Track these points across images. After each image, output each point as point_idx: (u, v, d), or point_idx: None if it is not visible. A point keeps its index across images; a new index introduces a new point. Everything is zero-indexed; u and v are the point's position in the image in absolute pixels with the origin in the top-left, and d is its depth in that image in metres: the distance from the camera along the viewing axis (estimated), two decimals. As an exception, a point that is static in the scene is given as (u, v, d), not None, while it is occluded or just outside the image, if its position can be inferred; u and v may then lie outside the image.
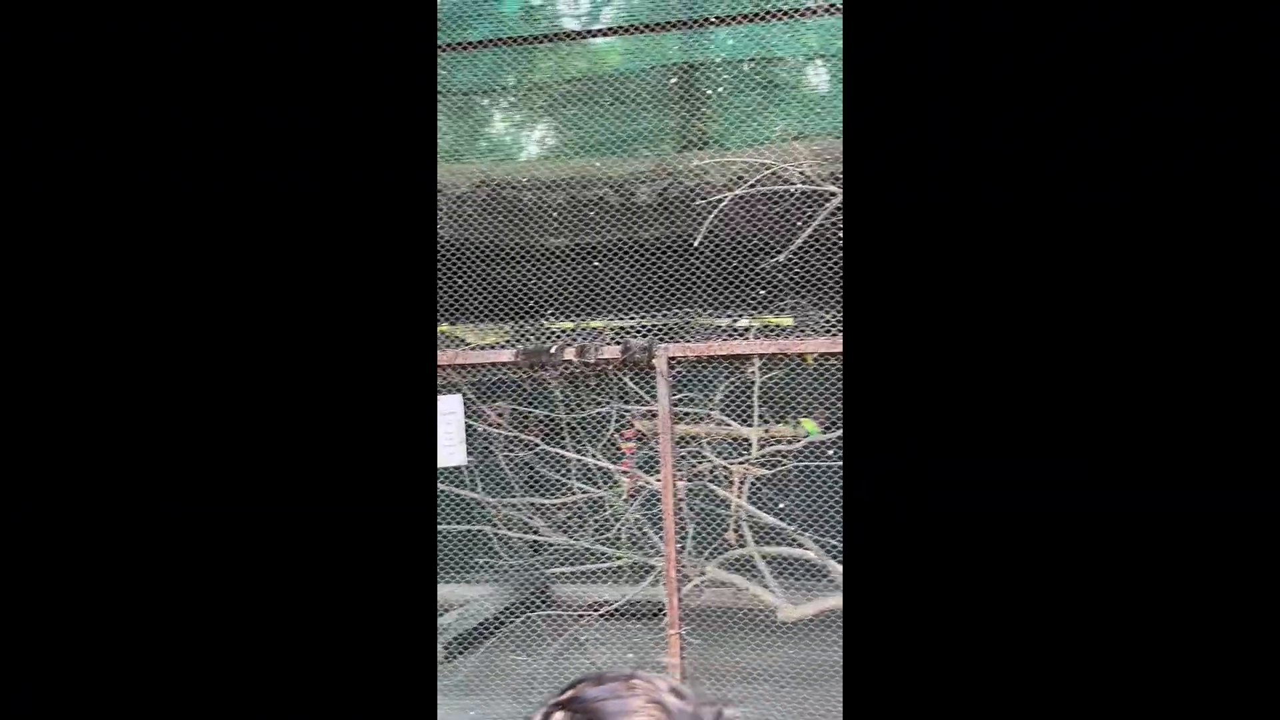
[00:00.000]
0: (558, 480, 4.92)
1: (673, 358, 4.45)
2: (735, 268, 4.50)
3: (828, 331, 4.58)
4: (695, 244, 4.40)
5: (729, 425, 4.72)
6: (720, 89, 4.73)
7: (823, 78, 4.99)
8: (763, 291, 4.46)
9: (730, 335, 4.63)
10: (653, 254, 4.58)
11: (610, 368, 4.50)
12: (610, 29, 4.82)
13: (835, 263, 4.39)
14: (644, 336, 4.55)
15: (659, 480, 4.51)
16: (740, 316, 4.77)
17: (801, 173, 4.35)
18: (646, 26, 4.70)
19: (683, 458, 4.65)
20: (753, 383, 4.65)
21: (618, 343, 4.46)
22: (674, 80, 4.71)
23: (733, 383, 4.74)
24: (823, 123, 4.72)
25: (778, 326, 4.73)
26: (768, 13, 4.63)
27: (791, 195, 4.39)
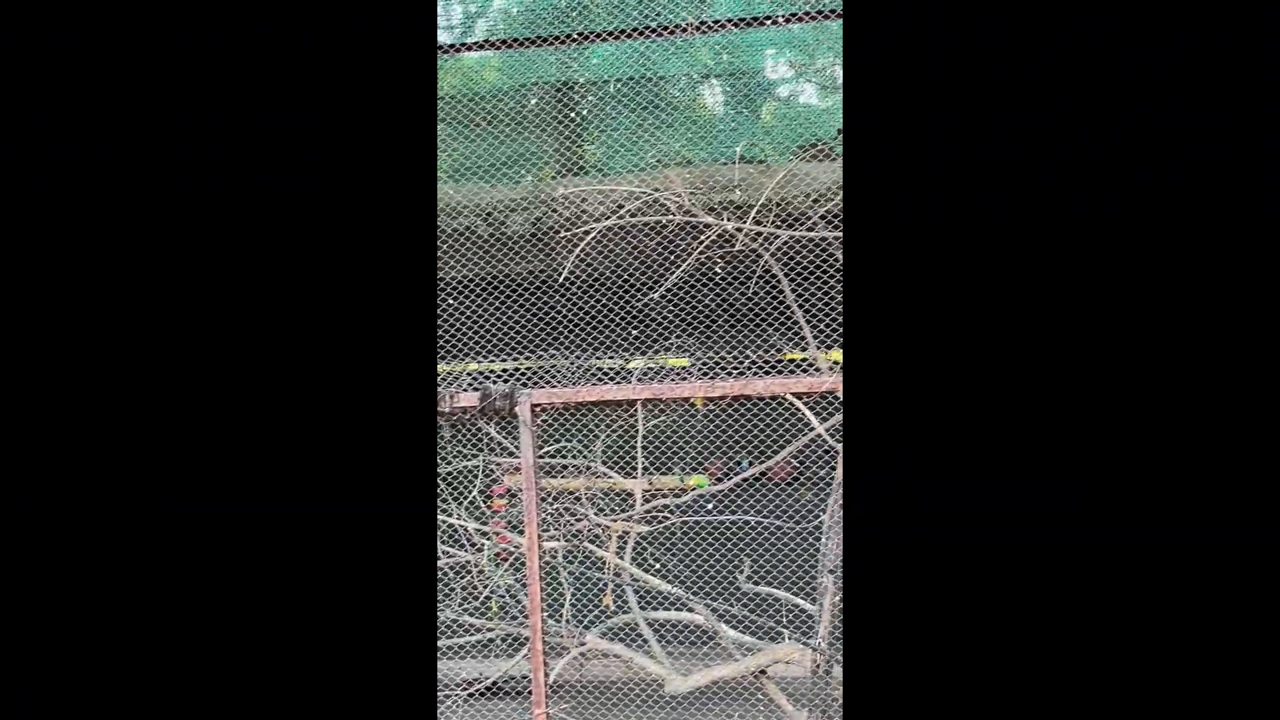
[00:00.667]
0: None
1: (538, 405, 4.14)
2: (608, 305, 4.27)
3: (722, 374, 4.30)
4: (560, 279, 4.16)
5: (611, 478, 4.43)
6: (602, 110, 4.50)
7: (717, 98, 4.74)
8: (635, 331, 4.22)
9: (615, 379, 4.37)
10: (523, 290, 4.36)
11: (468, 417, 4.19)
12: (484, 43, 4.58)
13: (717, 299, 4.16)
14: (506, 380, 4.28)
15: (525, 539, 4.16)
16: (632, 357, 4.49)
17: (679, 202, 4.08)
18: (523, 41, 4.49)
19: (558, 515, 4.38)
20: (636, 430, 4.37)
21: (475, 389, 4.18)
22: (552, 100, 4.49)
23: (615, 431, 4.47)
24: (713, 148, 4.51)
25: (672, 368, 4.45)
26: (656, 28, 4.39)
27: (667, 227, 4.13)
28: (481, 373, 4.37)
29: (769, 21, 4.36)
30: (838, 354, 4.43)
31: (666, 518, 4.37)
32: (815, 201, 4.28)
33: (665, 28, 4.36)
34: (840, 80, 4.52)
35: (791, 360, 4.26)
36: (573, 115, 4.47)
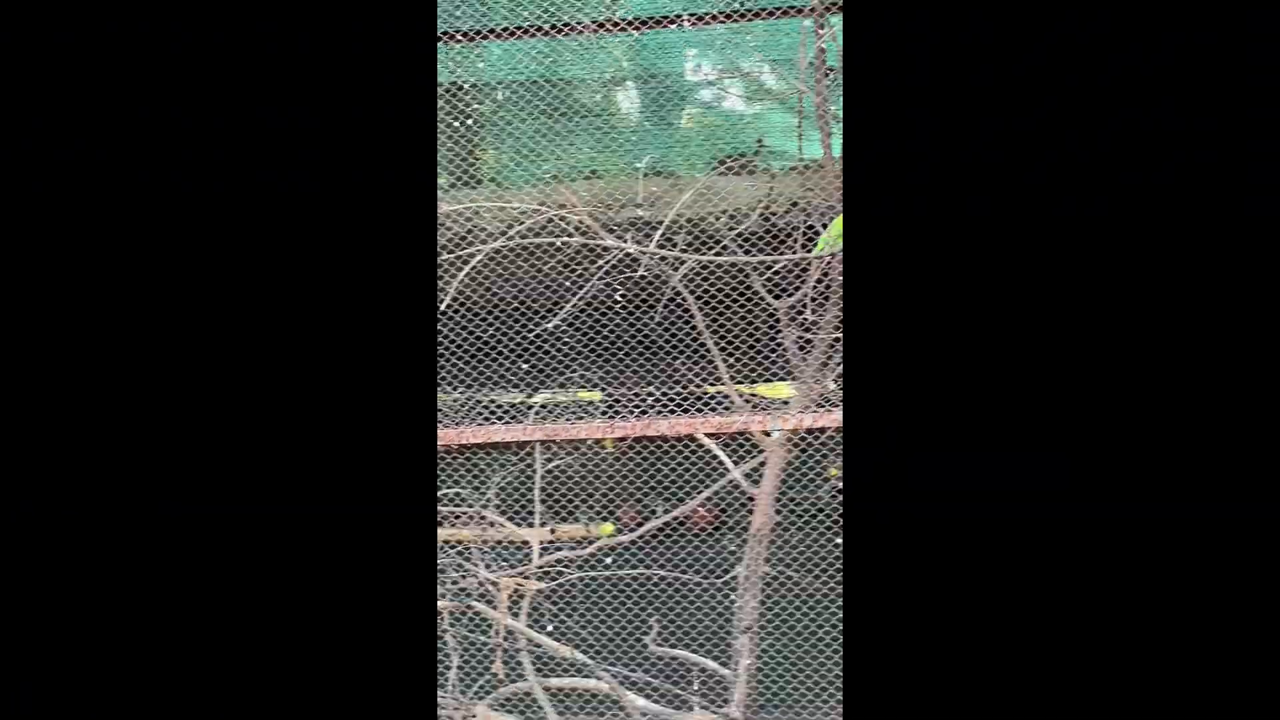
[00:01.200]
0: None
1: None
2: (500, 334, 4.04)
3: (631, 410, 4.06)
4: (443, 305, 3.90)
5: (503, 527, 4.16)
6: (498, 115, 4.25)
7: (632, 104, 4.43)
8: (527, 364, 4.01)
9: (512, 415, 4.13)
10: None
11: None
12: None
13: (624, 329, 3.93)
14: None
15: None
16: (534, 392, 4.23)
17: (579, 221, 3.81)
18: (413, 39, 4.12)
19: (442, 570, 4.12)
20: (534, 473, 4.10)
21: None
22: (442, 103, 4.20)
23: (511, 474, 4.20)
24: (624, 159, 4.23)
25: (580, 404, 4.20)
26: (559, 25, 4.10)
27: (563, 250, 3.87)
28: None
29: (682, 21, 4.06)
30: (764, 388, 4.16)
31: (566, 572, 4.10)
32: (733, 220, 3.99)
33: (570, 25, 4.09)
34: (767, 86, 4.25)
35: (705, 395, 3.97)
36: (465, 120, 4.22)
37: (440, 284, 3.98)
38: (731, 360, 3.89)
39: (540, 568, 4.13)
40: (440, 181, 4.24)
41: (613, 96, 4.38)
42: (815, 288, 3.71)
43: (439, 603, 4.06)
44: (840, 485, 4.19)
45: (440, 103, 4.19)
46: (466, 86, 4.19)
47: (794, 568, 4.08)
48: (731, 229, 3.92)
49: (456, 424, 4.03)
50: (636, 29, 4.07)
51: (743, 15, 3.99)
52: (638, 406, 4.03)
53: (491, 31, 4.15)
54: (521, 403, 4.18)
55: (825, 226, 3.73)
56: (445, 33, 4.15)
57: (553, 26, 4.07)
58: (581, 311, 3.90)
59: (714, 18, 3.94)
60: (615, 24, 4.06)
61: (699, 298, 3.83)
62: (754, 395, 4.02)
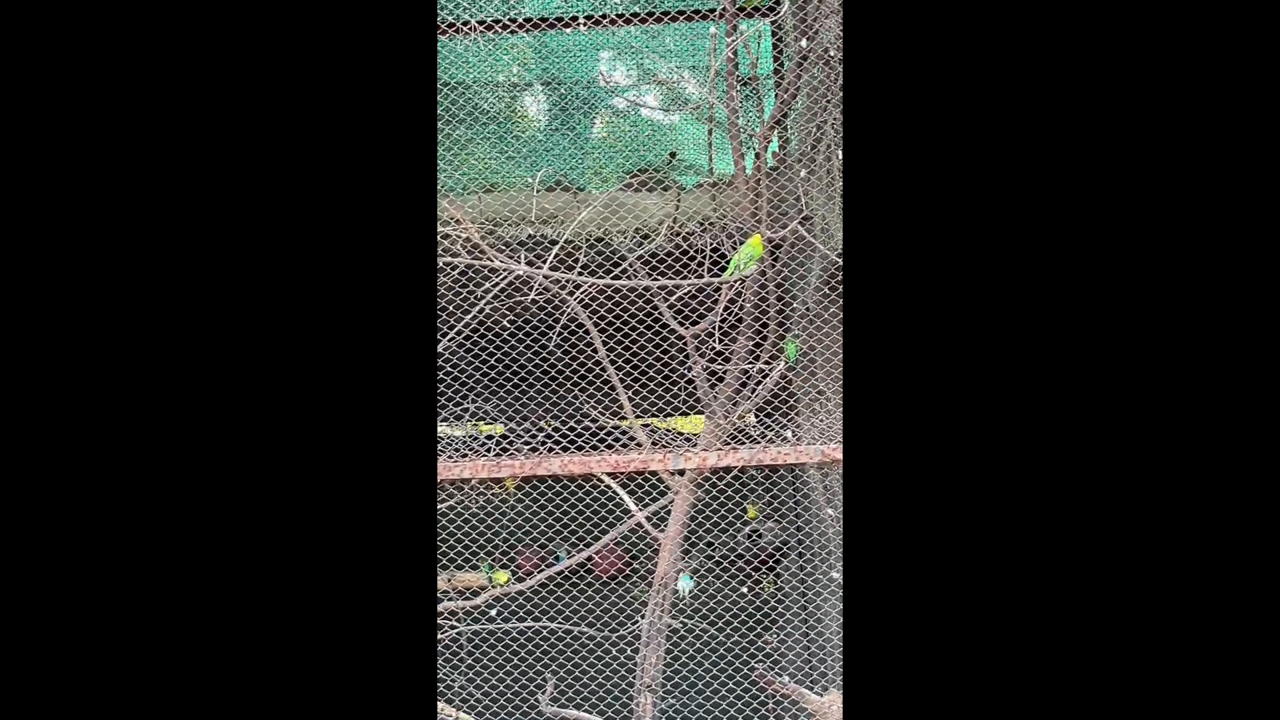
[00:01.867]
0: None
1: None
2: None
3: (522, 446, 3.84)
4: None
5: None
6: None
7: (539, 108, 4.24)
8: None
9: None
10: None
11: None
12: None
13: (517, 356, 3.77)
14: None
15: None
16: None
17: (466, 237, 3.55)
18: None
19: None
20: None
21: None
22: None
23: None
24: (527, 169, 4.03)
25: (485, 437, 3.99)
26: (456, 24, 3.90)
27: (448, 270, 3.63)
28: None
29: (589, 21, 3.84)
30: (674, 421, 3.96)
31: (452, 626, 3.85)
32: (640, 239, 3.77)
33: (467, 24, 3.90)
34: (685, 95, 4.05)
35: (607, 430, 3.74)
36: None
37: None
38: (636, 392, 3.67)
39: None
40: None
41: (516, 102, 4.17)
42: (725, 314, 3.49)
43: None
44: (756, 529, 3.99)
45: None
46: None
47: (702, 619, 3.87)
48: (636, 249, 3.68)
49: None
50: (536, 28, 3.88)
51: (647, 18, 3.77)
52: (534, 442, 3.82)
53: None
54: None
55: (735, 248, 3.50)
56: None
57: (448, 24, 3.86)
58: (469, 336, 3.68)
59: (615, 20, 3.72)
60: (514, 22, 3.84)
61: (600, 323, 3.59)
62: (661, 430, 3.79)
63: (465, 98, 4.02)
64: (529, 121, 4.21)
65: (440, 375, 3.74)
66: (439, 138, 3.91)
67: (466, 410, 3.88)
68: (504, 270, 3.49)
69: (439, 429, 3.98)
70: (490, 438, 3.92)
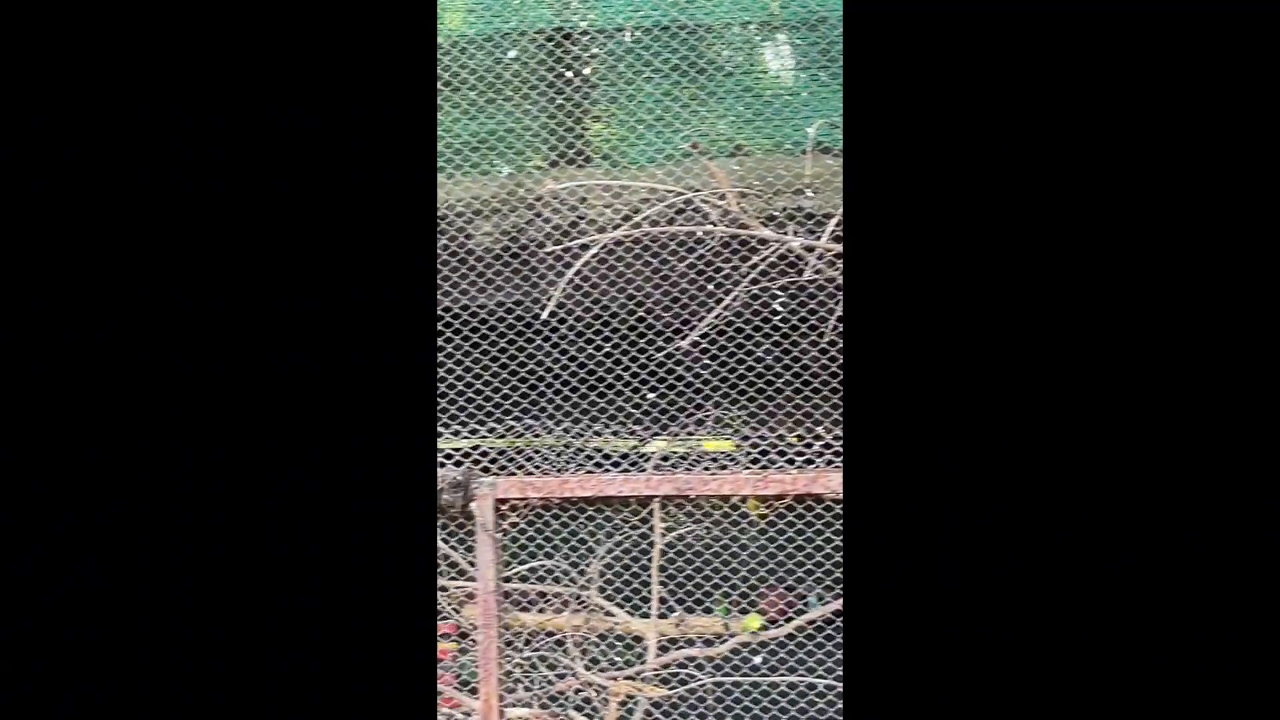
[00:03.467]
0: None
1: (506, 500, 3.70)
2: (616, 356, 3.80)
3: (781, 462, 3.66)
4: (544, 315, 3.72)
5: (611, 615, 3.84)
6: (615, 72, 3.96)
7: (784, 61, 4.02)
8: (653, 396, 3.75)
9: (622, 465, 3.81)
10: (490, 331, 3.86)
11: None
12: (446, -27, 4.23)
13: (779, 351, 3.63)
14: (458, 465, 3.76)
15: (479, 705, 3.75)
16: (650, 436, 3.93)
17: (724, 208, 3.51)
18: (505, -29, 4.08)
19: (530, 668, 3.84)
20: (652, 545, 3.77)
21: None
22: (541, 55, 3.96)
23: (621, 543, 3.87)
24: (779, 130, 3.85)
25: (714, 453, 3.87)
26: None
27: (705, 242, 3.56)
28: (442, 451, 3.90)
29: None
30: None
31: (694, 677, 3.74)
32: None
33: None
34: None
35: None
36: (571, 78, 3.95)
37: (540, 288, 3.82)
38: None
39: (659, 669, 3.82)
40: (535, 157, 4.01)
41: (761, 50, 3.98)
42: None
43: (521, 712, 3.81)
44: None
45: (539, 55, 3.95)
46: (574, 35, 3.92)
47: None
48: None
49: (559, 471, 3.78)
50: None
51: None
52: (796, 458, 3.69)
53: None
54: (635, 450, 3.93)
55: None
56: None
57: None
58: (722, 330, 3.60)
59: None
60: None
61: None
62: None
63: (696, 45, 3.88)
64: (773, 76, 4.00)
65: (679, 374, 3.67)
66: (661, 93, 3.83)
67: (705, 419, 3.73)
68: (774, 243, 3.33)
69: (654, 442, 3.86)
70: (726, 454, 3.80)
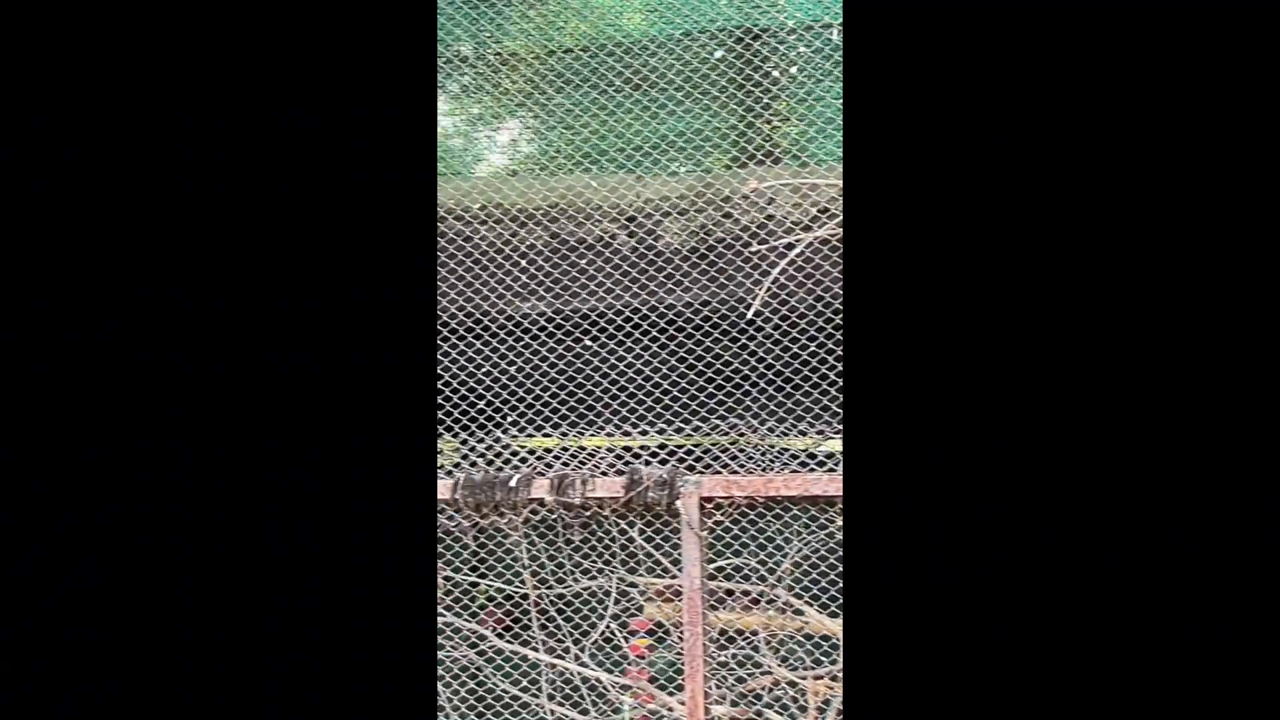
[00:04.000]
0: (520, 699, 4.03)
1: (710, 499, 3.69)
2: (815, 354, 3.83)
3: None
4: (747, 316, 3.73)
5: (803, 613, 3.87)
6: (807, 69, 4.01)
7: None
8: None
9: (823, 464, 3.83)
10: (685, 330, 3.89)
11: (608, 513, 3.81)
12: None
13: None
14: (664, 463, 3.77)
15: (686, 703, 3.74)
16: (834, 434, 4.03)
17: None
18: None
19: (727, 665, 3.83)
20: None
21: (620, 473, 3.76)
22: (727, 55, 4.02)
23: (815, 543, 3.89)
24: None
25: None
26: None
27: None
28: (629, 449, 3.88)
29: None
30: None
31: None
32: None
33: None
34: None
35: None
36: (761, 76, 3.98)
37: (732, 288, 3.82)
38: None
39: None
40: (724, 155, 4.03)
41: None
42: None
43: (723, 709, 3.79)
44: None
45: (727, 52, 3.98)
46: (766, 32, 3.96)
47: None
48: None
49: (764, 470, 3.78)
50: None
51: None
52: None
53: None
54: (837, 451, 3.94)
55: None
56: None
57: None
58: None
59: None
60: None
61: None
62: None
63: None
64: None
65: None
66: (834, 91, 3.86)
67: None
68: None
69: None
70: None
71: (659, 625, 3.94)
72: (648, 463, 3.80)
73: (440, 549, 4.00)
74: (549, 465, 3.93)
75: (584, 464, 3.90)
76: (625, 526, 3.86)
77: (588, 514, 3.78)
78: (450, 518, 3.92)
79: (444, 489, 3.86)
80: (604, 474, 3.77)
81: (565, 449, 3.97)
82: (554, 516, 3.84)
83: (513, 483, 3.88)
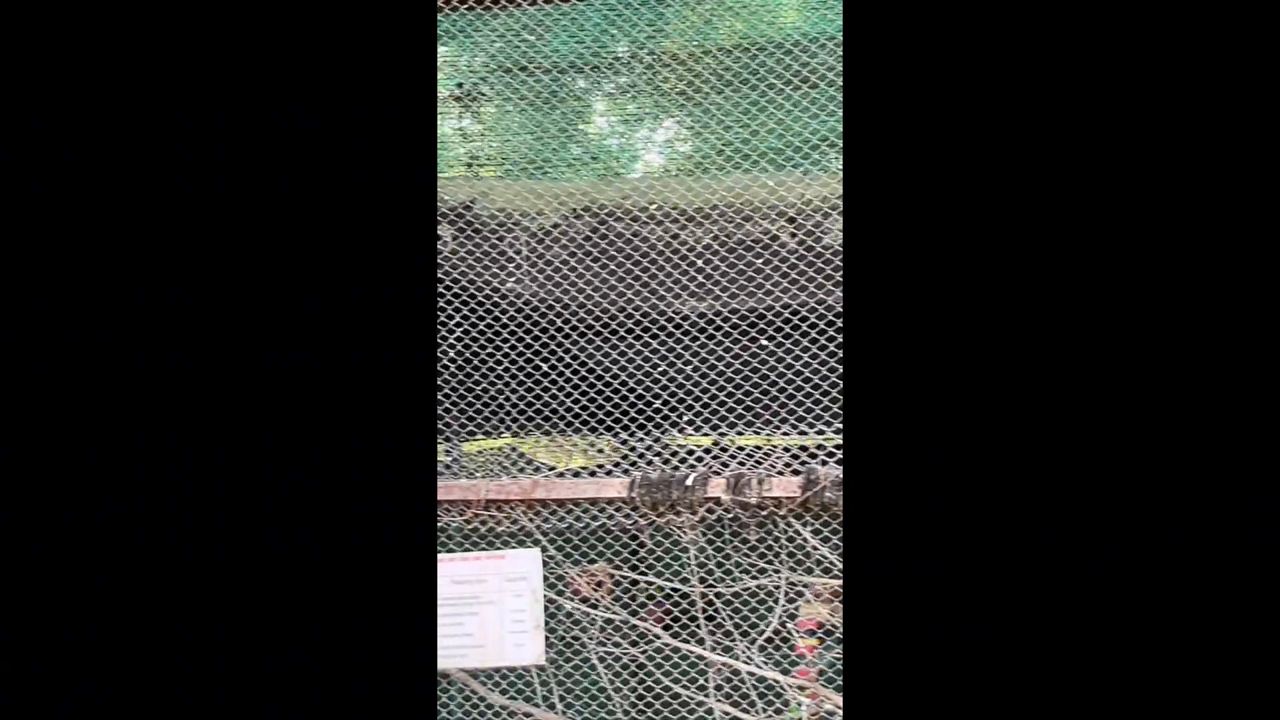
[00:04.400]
0: (689, 697, 3.96)
1: None
2: None
3: None
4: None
5: None
6: None
7: None
8: None
9: None
10: (840, 330, 3.81)
11: (782, 512, 3.73)
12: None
13: None
14: (839, 462, 3.73)
15: None
16: None
17: None
18: (843, -33, 3.94)
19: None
20: None
21: (796, 472, 3.71)
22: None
23: None
24: None
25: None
26: None
27: None
28: (805, 449, 3.81)
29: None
30: None
31: None
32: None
33: None
34: None
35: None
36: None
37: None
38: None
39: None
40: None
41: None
42: None
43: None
44: None
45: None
46: None
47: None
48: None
49: None
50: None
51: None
52: None
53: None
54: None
55: None
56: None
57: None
58: None
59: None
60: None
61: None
62: None
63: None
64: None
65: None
66: None
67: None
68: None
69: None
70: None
71: (820, 625, 3.88)
72: (824, 462, 3.76)
73: (618, 547, 3.99)
74: (722, 464, 3.89)
75: (743, 463, 3.84)
76: (800, 527, 3.80)
77: (764, 513, 3.72)
78: (627, 515, 3.90)
79: (620, 488, 3.83)
80: (778, 473, 3.73)
81: (736, 448, 3.94)
82: (729, 516, 3.78)
83: (689, 481, 3.85)
